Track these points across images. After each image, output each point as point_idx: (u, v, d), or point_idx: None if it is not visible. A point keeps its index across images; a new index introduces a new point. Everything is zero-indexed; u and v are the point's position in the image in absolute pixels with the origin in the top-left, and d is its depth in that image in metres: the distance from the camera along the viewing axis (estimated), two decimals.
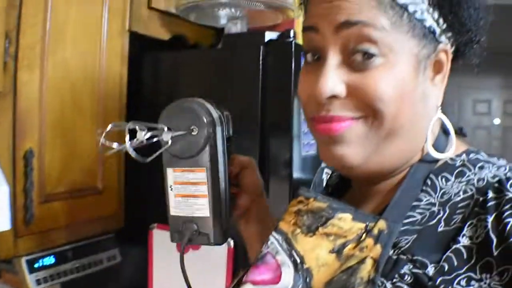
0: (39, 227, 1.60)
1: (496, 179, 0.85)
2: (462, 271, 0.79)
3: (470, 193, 0.87)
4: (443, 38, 0.93)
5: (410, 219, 0.89)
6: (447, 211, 0.87)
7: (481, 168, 0.91)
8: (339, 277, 0.86)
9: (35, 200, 1.58)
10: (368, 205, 1.02)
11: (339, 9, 0.89)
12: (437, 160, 0.96)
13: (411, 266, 0.83)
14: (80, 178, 1.75)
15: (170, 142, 1.07)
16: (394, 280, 0.83)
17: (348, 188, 1.17)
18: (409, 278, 0.82)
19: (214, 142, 1.11)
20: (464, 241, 0.81)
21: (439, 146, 0.97)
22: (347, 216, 0.91)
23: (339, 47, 0.90)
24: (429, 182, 0.93)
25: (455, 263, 0.79)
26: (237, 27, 2.00)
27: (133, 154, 1.06)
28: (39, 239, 1.62)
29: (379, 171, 0.97)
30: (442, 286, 0.79)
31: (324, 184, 1.33)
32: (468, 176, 0.90)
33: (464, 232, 0.82)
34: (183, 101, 1.13)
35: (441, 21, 0.92)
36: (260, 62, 1.67)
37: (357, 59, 0.88)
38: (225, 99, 1.72)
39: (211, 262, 1.73)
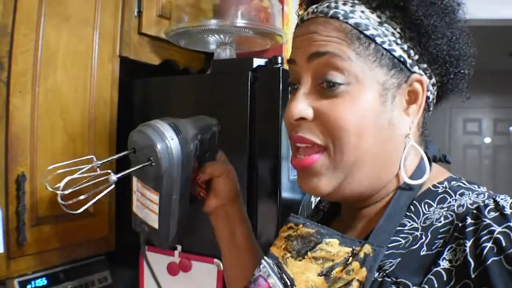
0: (32, 249, 1.62)
1: (475, 205, 0.89)
2: None
3: (450, 219, 0.90)
4: (416, 69, 0.99)
5: (395, 243, 0.93)
6: (429, 236, 0.90)
7: (462, 194, 0.95)
8: None
9: (27, 223, 1.59)
10: (355, 229, 1.07)
11: (311, 41, 0.98)
12: (419, 187, 1.00)
13: None
14: None
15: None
16: None
17: (335, 217, 1.22)
18: None
19: (171, 172, 1.18)
20: (444, 264, 0.84)
21: (420, 173, 1.01)
22: (334, 241, 0.96)
23: (310, 75, 0.99)
24: (412, 208, 0.98)
25: (436, 285, 0.83)
26: (226, 53, 2.03)
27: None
28: (31, 261, 1.63)
29: (353, 196, 1.02)
30: None
31: (313, 206, 1.37)
32: (449, 202, 0.95)
33: (444, 255, 0.85)
34: (144, 127, 1.21)
35: (412, 52, 0.98)
36: (248, 88, 1.70)
37: (324, 86, 0.96)
38: None
39: (201, 283, 1.74)
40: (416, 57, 0.99)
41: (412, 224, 0.95)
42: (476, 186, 0.99)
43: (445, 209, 0.94)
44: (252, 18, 1.94)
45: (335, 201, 1.23)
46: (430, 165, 1.04)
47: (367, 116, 0.95)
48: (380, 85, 0.96)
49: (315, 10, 1.01)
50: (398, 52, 0.97)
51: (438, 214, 0.93)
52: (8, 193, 1.55)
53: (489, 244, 0.81)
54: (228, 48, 2.04)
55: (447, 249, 0.86)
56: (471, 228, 0.85)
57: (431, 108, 1.08)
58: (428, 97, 1.03)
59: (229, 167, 1.38)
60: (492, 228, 0.83)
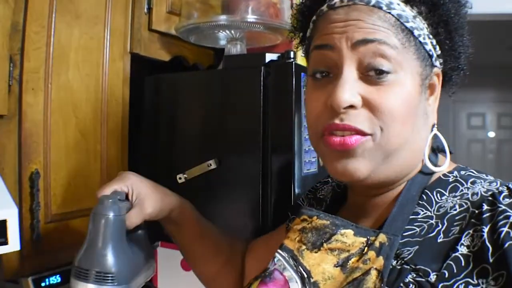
0: (46, 246, 1.62)
1: (489, 193, 0.92)
2: (461, 277, 0.84)
3: (465, 206, 0.93)
4: (437, 63, 1.03)
5: (410, 232, 0.95)
6: (445, 224, 0.93)
7: (473, 183, 0.98)
8: None
9: (41, 221, 1.59)
10: (368, 219, 1.09)
11: (356, 27, 0.98)
12: (430, 176, 1.03)
13: (415, 275, 0.88)
14: (85, 198, 1.77)
15: None
16: None
17: (342, 203, 1.23)
18: (413, 286, 0.87)
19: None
20: (462, 250, 0.87)
21: (430, 162, 1.04)
22: (349, 231, 0.99)
23: (355, 63, 0.98)
24: (424, 197, 1.00)
25: (455, 270, 0.85)
26: (237, 48, 2.03)
27: None
28: (45, 258, 1.63)
29: (386, 181, 1.04)
30: None
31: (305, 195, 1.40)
32: (462, 190, 0.97)
33: (462, 241, 0.88)
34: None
35: (437, 47, 1.01)
36: (261, 82, 1.69)
37: (372, 74, 0.97)
38: (226, 118, 1.75)
39: None
40: (439, 52, 1.02)
41: (426, 213, 0.97)
42: (484, 175, 1.02)
43: (458, 197, 0.96)
44: (262, 13, 1.94)
45: (341, 190, 1.26)
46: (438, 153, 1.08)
47: (411, 105, 0.98)
48: (419, 76, 0.99)
49: None
50: (428, 46, 1.00)
51: (452, 202, 0.96)
52: (22, 191, 1.55)
53: (506, 229, 0.84)
54: (239, 44, 2.04)
55: (464, 235, 0.88)
56: (487, 214, 0.88)
57: None
58: None
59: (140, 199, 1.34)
60: (508, 213, 0.85)
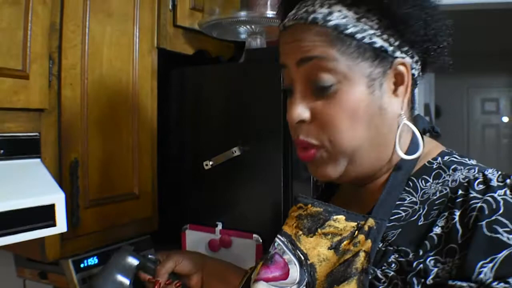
0: (84, 230, 1.72)
1: (466, 179, 1.00)
2: (432, 253, 0.94)
3: (445, 192, 1.01)
4: (398, 54, 1.06)
5: (396, 216, 1.04)
6: (426, 208, 1.02)
7: (455, 170, 1.05)
8: (337, 269, 1.01)
9: (81, 206, 1.70)
10: (358, 204, 1.17)
11: (297, 48, 1.06)
12: (415, 162, 1.10)
13: (397, 255, 0.98)
14: (119, 185, 1.88)
15: None
16: (383, 268, 0.98)
17: (334, 191, 1.34)
18: (395, 266, 0.97)
19: None
20: (436, 230, 0.96)
21: (414, 148, 1.11)
22: (341, 217, 1.06)
23: (302, 79, 1.07)
24: (410, 183, 1.08)
25: (428, 248, 0.94)
26: (257, 42, 2.13)
27: None
28: (84, 241, 1.74)
29: (359, 177, 1.12)
30: (418, 267, 0.93)
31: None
32: (444, 177, 1.05)
33: (437, 223, 0.96)
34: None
35: (392, 40, 1.05)
36: (281, 75, 1.78)
37: (317, 88, 1.05)
38: (248, 108, 1.84)
39: (242, 257, 1.84)
40: (397, 43, 1.05)
41: (411, 199, 1.05)
42: (466, 159, 1.09)
43: (441, 184, 1.04)
44: None
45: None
46: (423, 138, 1.11)
47: (359, 108, 1.03)
48: (367, 77, 1.03)
49: (295, 17, 1.08)
50: (379, 43, 1.03)
51: (435, 188, 1.04)
52: (62, 178, 1.65)
53: (475, 213, 0.91)
54: (259, 37, 2.14)
55: (440, 217, 0.97)
56: (460, 199, 0.96)
57: (418, 82, 1.15)
58: (413, 74, 1.10)
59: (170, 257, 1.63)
60: (479, 198, 0.94)
